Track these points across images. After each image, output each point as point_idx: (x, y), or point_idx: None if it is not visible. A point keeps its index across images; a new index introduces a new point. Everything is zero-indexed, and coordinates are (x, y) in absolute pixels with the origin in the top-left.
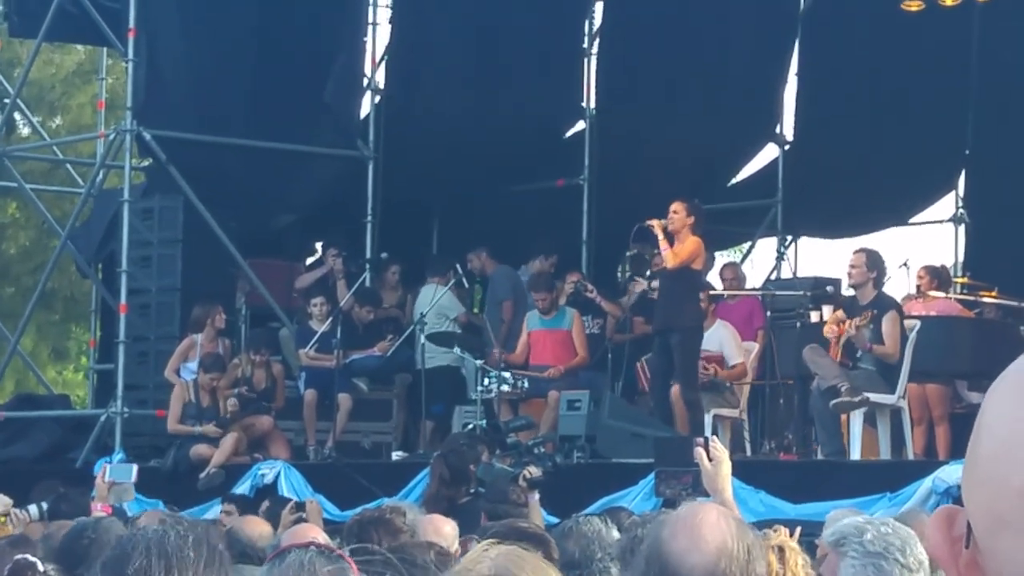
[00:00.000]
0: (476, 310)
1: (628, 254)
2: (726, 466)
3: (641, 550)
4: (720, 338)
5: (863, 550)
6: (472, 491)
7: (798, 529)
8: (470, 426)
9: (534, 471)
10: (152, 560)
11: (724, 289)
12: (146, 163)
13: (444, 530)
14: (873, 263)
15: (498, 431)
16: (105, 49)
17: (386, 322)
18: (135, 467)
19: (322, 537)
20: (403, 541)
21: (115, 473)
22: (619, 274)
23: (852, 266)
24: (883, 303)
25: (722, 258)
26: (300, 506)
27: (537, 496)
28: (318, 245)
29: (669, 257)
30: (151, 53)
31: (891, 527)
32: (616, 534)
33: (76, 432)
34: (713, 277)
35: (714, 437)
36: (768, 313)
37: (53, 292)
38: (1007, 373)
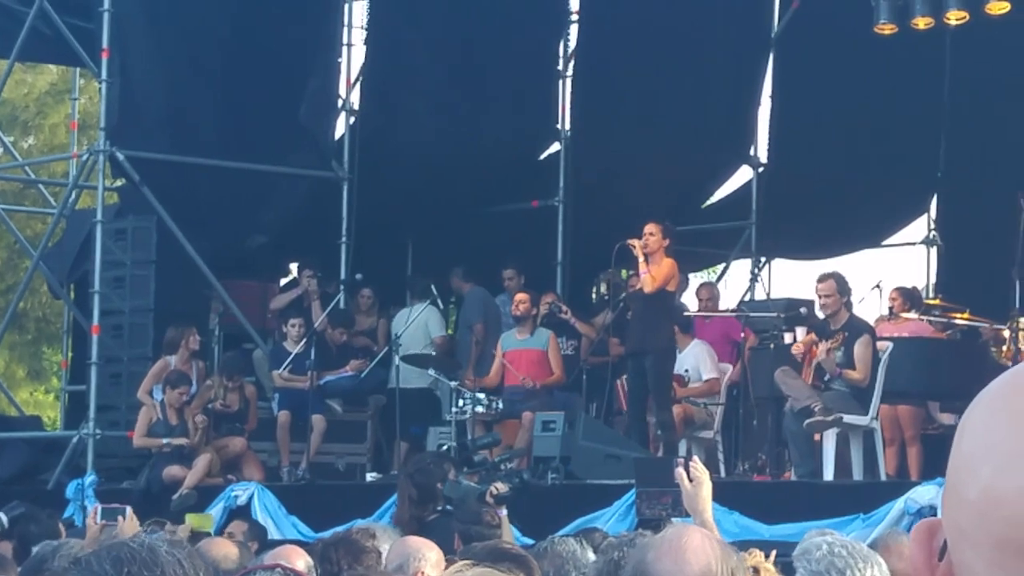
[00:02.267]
0: (450, 331)
1: (603, 275)
2: (707, 487)
3: (625, 572)
4: (695, 355)
5: (809, 568)
6: (439, 509)
7: (773, 551)
8: (444, 447)
9: (501, 487)
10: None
11: (700, 309)
12: (119, 184)
13: (428, 554)
14: (842, 287)
15: (465, 448)
16: (78, 69)
17: (360, 346)
18: (128, 508)
19: (303, 561)
20: (368, 564)
21: (107, 515)
22: (594, 295)
23: (825, 296)
24: (855, 327)
25: (696, 279)
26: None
27: (505, 512)
28: (292, 266)
29: (648, 281)
30: (124, 73)
31: (848, 548)
32: (591, 555)
33: (48, 453)
34: (689, 297)
35: (695, 458)
36: (743, 334)
37: (25, 313)
38: (981, 393)
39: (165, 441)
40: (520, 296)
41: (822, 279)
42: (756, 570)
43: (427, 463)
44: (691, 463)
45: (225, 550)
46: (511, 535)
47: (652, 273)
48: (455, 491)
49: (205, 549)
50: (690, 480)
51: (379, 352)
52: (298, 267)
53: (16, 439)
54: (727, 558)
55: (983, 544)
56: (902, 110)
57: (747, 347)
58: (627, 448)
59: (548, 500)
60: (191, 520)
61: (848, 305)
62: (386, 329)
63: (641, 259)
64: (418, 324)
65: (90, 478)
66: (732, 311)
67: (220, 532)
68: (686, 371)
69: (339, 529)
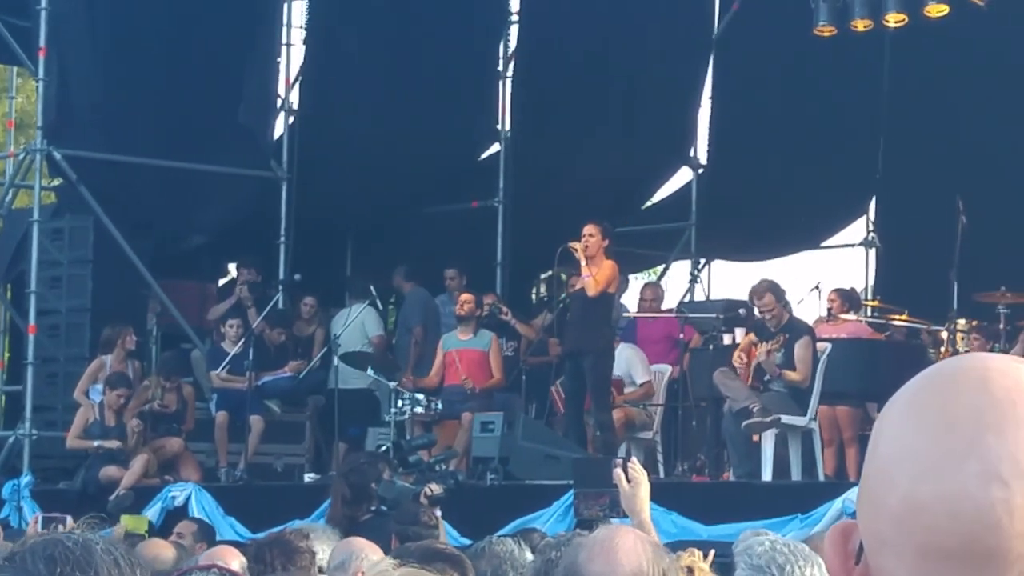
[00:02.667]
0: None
1: (544, 276)
2: (645, 487)
3: (557, 573)
4: (626, 359)
5: (750, 563)
6: (373, 509)
7: (711, 552)
8: (383, 448)
9: (435, 488)
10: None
11: (645, 309)
12: (56, 183)
13: (371, 555)
14: (779, 295)
15: (400, 449)
16: (15, 68)
17: (299, 343)
18: (69, 518)
19: (238, 561)
20: (301, 564)
21: (47, 524)
22: (534, 295)
23: (767, 310)
24: (795, 328)
25: (636, 281)
26: None
27: (439, 513)
28: (231, 266)
29: (591, 285)
30: (62, 72)
31: (790, 547)
32: (529, 555)
33: None
34: (632, 297)
35: (633, 458)
36: (681, 335)
37: None
38: (895, 396)
39: (97, 444)
40: (465, 296)
41: (759, 295)
42: (691, 570)
43: (361, 463)
44: (629, 464)
45: (159, 551)
46: (446, 536)
47: (595, 277)
48: (389, 491)
49: (141, 550)
50: (628, 481)
51: (317, 353)
52: (236, 267)
53: None
54: (659, 559)
55: (905, 551)
56: (841, 112)
57: (687, 348)
58: (566, 449)
59: (487, 501)
60: (125, 521)
61: (787, 307)
62: (323, 337)
63: (583, 262)
64: (356, 324)
65: (26, 479)
66: (672, 312)
67: (169, 532)
68: (618, 376)
69: (274, 530)
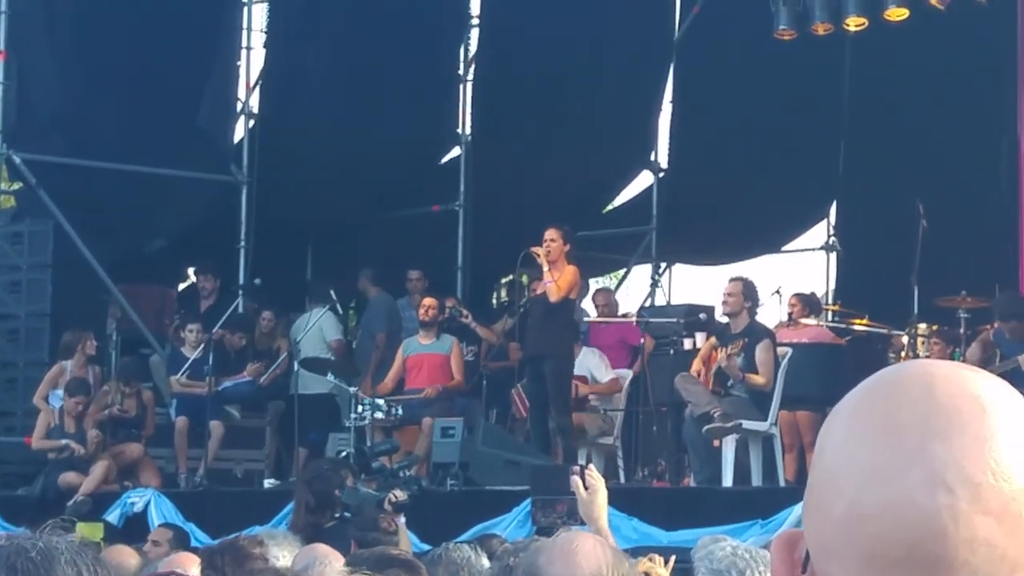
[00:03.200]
0: (349, 336)
1: (504, 280)
2: (602, 494)
3: None
4: (588, 365)
5: (711, 567)
6: (337, 516)
7: (672, 557)
8: (342, 453)
9: (399, 494)
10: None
11: (598, 315)
12: (16, 187)
13: (334, 562)
14: (749, 293)
15: (363, 455)
16: None
17: (260, 356)
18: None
19: (197, 567)
20: (252, 569)
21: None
22: (494, 300)
23: (728, 294)
24: (756, 331)
25: (596, 285)
26: None
27: (403, 519)
28: (190, 271)
29: (553, 290)
30: (21, 76)
31: (751, 553)
32: (486, 562)
33: None
34: (586, 302)
35: (590, 465)
36: (643, 340)
37: None
38: (840, 404)
39: (64, 442)
40: (428, 301)
41: (732, 280)
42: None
43: (324, 470)
44: (587, 471)
45: (123, 558)
46: (408, 542)
47: (557, 283)
48: (353, 498)
49: (105, 556)
50: (585, 488)
51: (281, 354)
52: (195, 272)
53: None
54: (618, 564)
55: (850, 560)
56: (802, 116)
57: (646, 353)
58: (527, 454)
59: (447, 506)
60: (81, 529)
61: (751, 312)
62: (287, 347)
63: (546, 267)
64: (315, 328)
65: None
66: (632, 316)
67: (131, 538)
68: (583, 377)
69: (229, 536)
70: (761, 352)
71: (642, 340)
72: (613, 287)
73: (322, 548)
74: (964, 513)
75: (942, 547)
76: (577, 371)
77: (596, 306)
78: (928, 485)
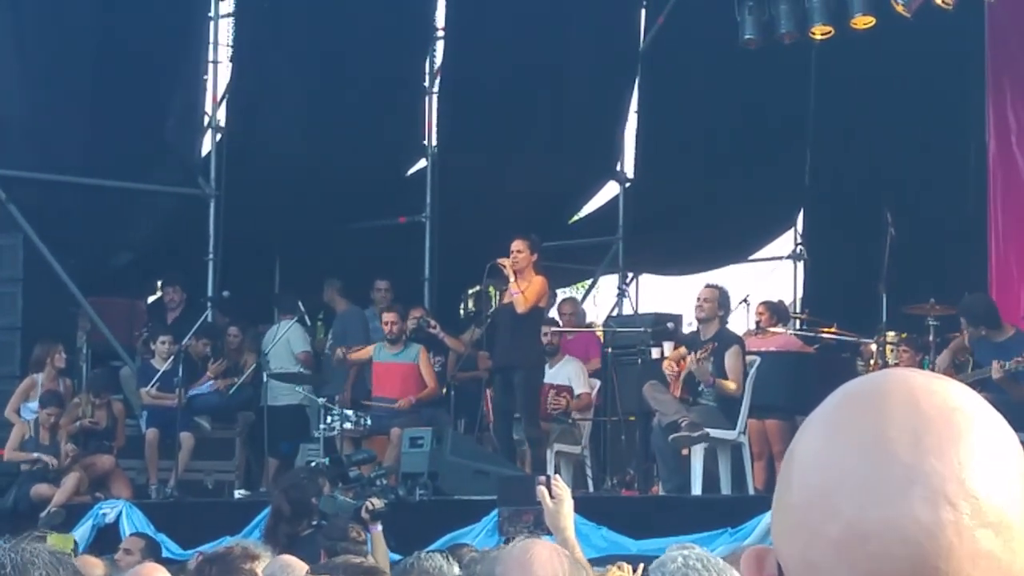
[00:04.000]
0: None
1: (471, 291)
2: (568, 504)
3: None
4: (568, 372)
5: None
6: (314, 524)
7: (641, 566)
8: (314, 463)
9: (376, 503)
10: None
11: (563, 324)
12: None
13: (299, 571)
14: (723, 302)
15: (340, 464)
16: None
17: (229, 372)
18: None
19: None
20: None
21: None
22: (462, 310)
23: (705, 300)
24: (725, 338)
25: (563, 294)
26: None
27: (380, 528)
28: (158, 283)
29: (520, 301)
30: None
31: (703, 562)
32: (457, 571)
33: None
34: (552, 313)
35: (556, 476)
36: (609, 350)
37: None
38: (813, 416)
39: (36, 455)
40: (388, 316)
41: (708, 286)
42: None
43: (301, 478)
44: (552, 480)
45: (90, 568)
46: (385, 551)
47: (525, 293)
48: (330, 506)
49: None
50: (552, 498)
51: (247, 369)
52: (162, 285)
53: None
54: (575, 572)
55: None
56: (768, 125)
57: (611, 362)
58: (495, 464)
59: (416, 516)
60: (52, 540)
61: (723, 320)
62: (253, 361)
63: (512, 278)
64: (282, 341)
65: None
66: (598, 326)
67: (101, 549)
68: (561, 385)
69: (219, 546)
70: (731, 358)
71: (609, 350)
72: (580, 297)
73: (286, 558)
74: (967, 527)
75: (946, 562)
76: (558, 380)
77: (561, 315)
78: (930, 501)
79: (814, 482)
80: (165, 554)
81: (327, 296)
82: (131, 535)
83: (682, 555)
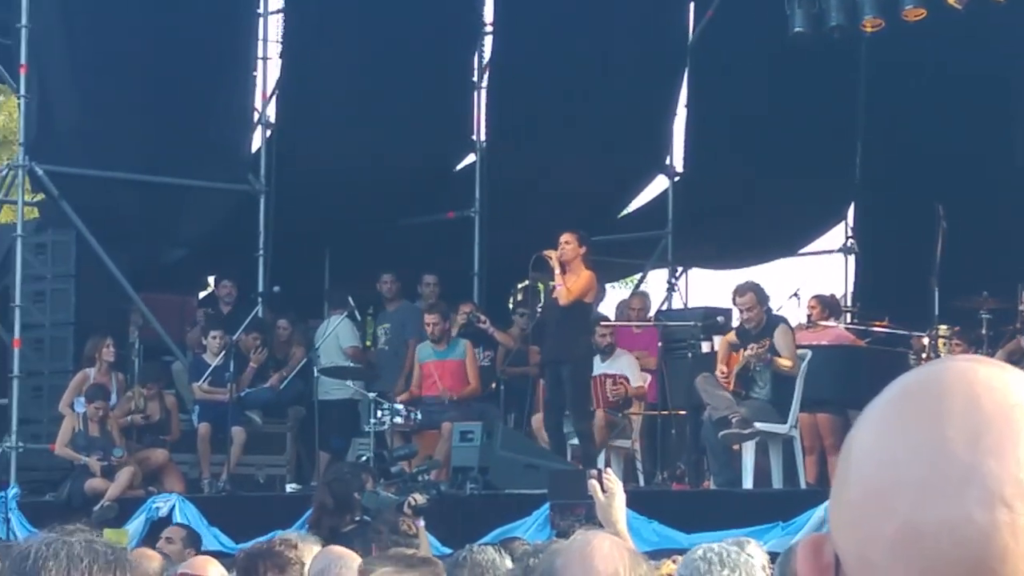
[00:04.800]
0: (368, 343)
1: (520, 285)
2: (620, 498)
3: None
4: (621, 365)
5: (680, 572)
6: (357, 519)
7: None
8: (363, 458)
9: (419, 498)
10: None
11: (633, 319)
12: (39, 198)
13: (352, 563)
14: (761, 297)
15: (383, 460)
16: None
17: (280, 365)
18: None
19: (216, 570)
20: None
21: None
22: (511, 305)
23: (747, 309)
24: (772, 322)
25: (614, 290)
26: None
27: (423, 523)
28: (210, 279)
29: (563, 293)
30: (42, 89)
31: (721, 556)
32: (509, 564)
33: None
34: (609, 306)
35: (608, 469)
36: (660, 344)
37: None
38: (870, 409)
39: (83, 460)
40: (430, 318)
41: (741, 292)
42: None
43: (344, 473)
44: (604, 474)
45: (146, 560)
46: (428, 546)
47: (568, 285)
48: (373, 501)
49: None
50: (603, 492)
51: (295, 362)
52: (215, 279)
53: None
54: (636, 565)
55: None
56: (818, 118)
57: (662, 356)
58: (545, 458)
59: (467, 510)
60: (107, 535)
61: (768, 311)
62: (302, 355)
63: (557, 270)
64: (332, 336)
65: (13, 491)
66: (649, 322)
67: (155, 542)
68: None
69: (260, 540)
70: (780, 337)
71: (659, 344)
72: (628, 292)
73: (338, 550)
74: (1023, 528)
75: (1001, 564)
76: (613, 371)
77: (631, 309)
78: (986, 502)
79: (870, 479)
80: (217, 547)
81: (387, 290)
82: (172, 525)
83: (705, 547)
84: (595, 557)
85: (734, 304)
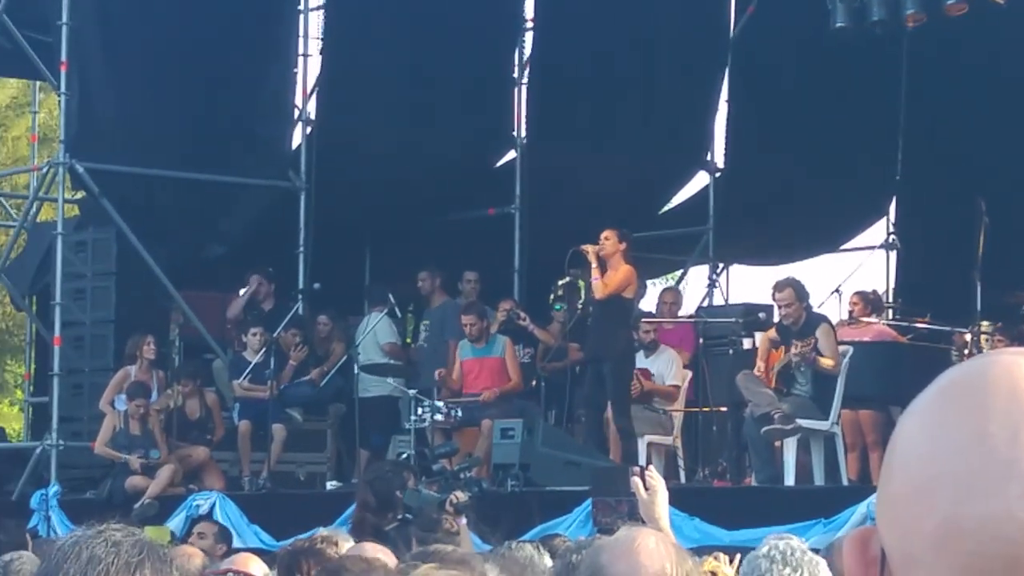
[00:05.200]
0: (408, 340)
1: (560, 282)
2: (662, 495)
3: (579, 574)
4: (661, 364)
5: (743, 569)
6: (399, 517)
7: (737, 556)
8: (403, 455)
9: (461, 496)
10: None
11: (664, 314)
12: (79, 196)
13: (386, 561)
14: (801, 293)
15: (424, 457)
16: (38, 82)
17: (320, 360)
18: None
19: (257, 567)
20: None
21: None
22: (551, 301)
23: (786, 305)
24: (814, 321)
25: (654, 286)
26: None
27: (464, 521)
28: (253, 278)
29: (599, 287)
30: (83, 86)
31: (784, 555)
32: (548, 561)
33: (12, 465)
34: (650, 302)
35: (650, 466)
36: (701, 340)
37: None
38: (915, 404)
39: (124, 459)
40: (467, 319)
41: (780, 288)
42: (713, 575)
43: (386, 471)
44: (647, 471)
45: (186, 558)
46: (471, 543)
47: (604, 280)
48: (415, 500)
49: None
50: (646, 489)
51: (335, 358)
52: (251, 274)
53: None
54: (682, 562)
55: (941, 572)
56: (859, 112)
57: (703, 352)
58: (586, 455)
59: (508, 507)
60: (148, 533)
61: (808, 308)
62: (342, 351)
63: (594, 264)
64: (372, 332)
65: (54, 488)
66: (690, 318)
67: (188, 534)
68: (653, 375)
69: (300, 537)
70: (823, 337)
71: (700, 341)
72: (677, 287)
73: (370, 546)
74: None
75: None
76: (651, 368)
77: (663, 304)
78: None
79: (913, 474)
80: (258, 545)
81: (426, 287)
82: (203, 520)
83: (770, 544)
84: (641, 553)
85: (773, 300)
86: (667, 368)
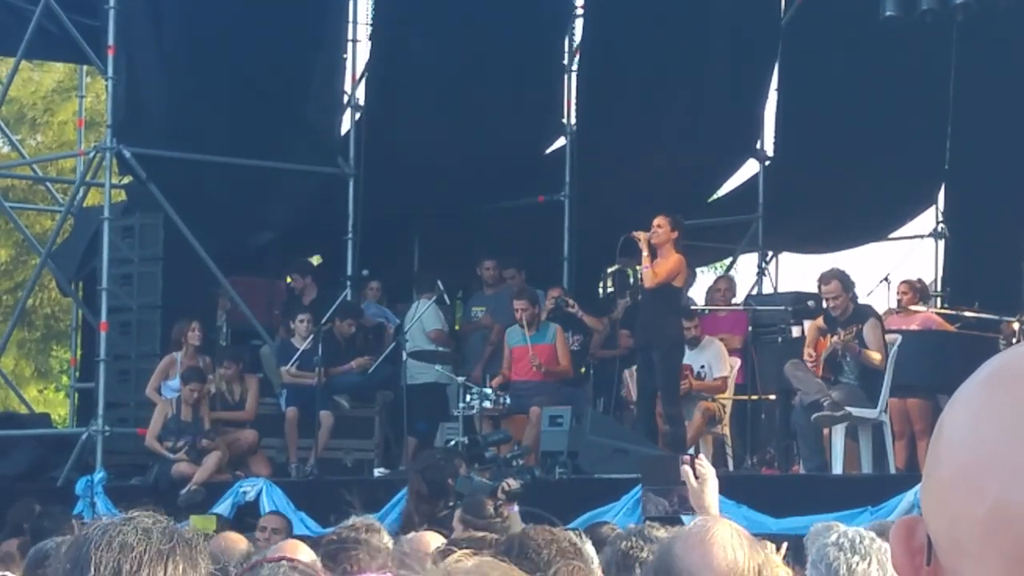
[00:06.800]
0: (457, 327)
1: (610, 270)
2: (712, 484)
3: (650, 564)
4: (708, 356)
5: (814, 556)
6: (452, 505)
7: (784, 544)
8: (452, 442)
9: (512, 483)
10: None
11: (718, 301)
12: (126, 181)
13: (431, 545)
14: (847, 284)
15: (476, 445)
16: (85, 67)
17: (368, 332)
18: None
19: (306, 554)
20: (380, 561)
21: None
22: (601, 289)
23: (833, 297)
24: (861, 313)
25: (703, 275)
26: None
27: (516, 508)
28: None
29: (649, 276)
30: (130, 70)
31: (853, 542)
32: (590, 548)
33: (57, 451)
34: (700, 290)
35: (700, 455)
36: (750, 328)
37: (34, 310)
38: (961, 391)
39: (172, 457)
40: (519, 304)
41: (826, 281)
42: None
43: (437, 459)
44: (696, 460)
45: (232, 544)
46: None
47: (654, 268)
48: (467, 487)
49: (215, 542)
50: (696, 477)
51: (385, 348)
52: (289, 274)
53: (26, 436)
54: (755, 553)
55: (990, 559)
56: (909, 101)
57: (752, 340)
58: (635, 442)
59: (556, 494)
60: (194, 522)
61: (854, 298)
62: (392, 331)
63: (645, 252)
64: (419, 319)
65: (99, 475)
66: (739, 306)
67: (242, 527)
68: (702, 367)
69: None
70: (870, 331)
71: (750, 329)
72: (731, 275)
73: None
74: None
75: None
76: (699, 360)
77: (717, 291)
78: None
79: (961, 460)
80: (304, 532)
81: (490, 275)
82: (269, 513)
83: (840, 531)
84: (714, 544)
85: (819, 292)
86: (714, 360)
